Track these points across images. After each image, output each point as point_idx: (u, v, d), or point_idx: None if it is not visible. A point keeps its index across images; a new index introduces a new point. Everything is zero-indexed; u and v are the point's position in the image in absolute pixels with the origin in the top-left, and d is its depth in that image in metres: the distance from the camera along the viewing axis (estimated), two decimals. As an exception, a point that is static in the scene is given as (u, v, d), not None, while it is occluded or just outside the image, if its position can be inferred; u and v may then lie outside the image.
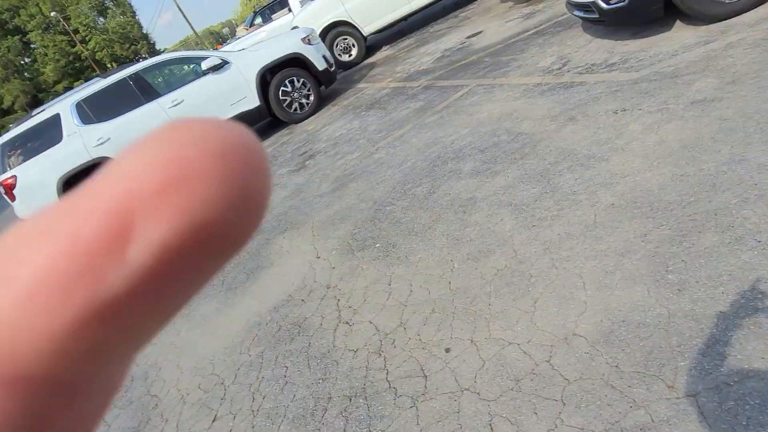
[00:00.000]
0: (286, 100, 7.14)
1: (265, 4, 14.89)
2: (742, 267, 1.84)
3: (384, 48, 10.26)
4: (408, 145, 4.51)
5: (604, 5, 3.89)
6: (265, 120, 7.51)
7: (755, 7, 3.55)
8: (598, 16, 4.02)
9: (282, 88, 7.07)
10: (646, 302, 1.90)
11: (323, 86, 7.57)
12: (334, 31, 9.71)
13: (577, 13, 4.36)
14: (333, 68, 7.70)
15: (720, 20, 3.63)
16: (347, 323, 2.65)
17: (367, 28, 9.83)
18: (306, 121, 7.23)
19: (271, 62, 7.04)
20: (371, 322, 2.57)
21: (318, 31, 8.95)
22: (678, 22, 4.00)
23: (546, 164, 3.12)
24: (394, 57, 8.74)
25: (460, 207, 3.15)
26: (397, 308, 2.57)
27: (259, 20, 13.57)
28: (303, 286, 3.20)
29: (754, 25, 3.38)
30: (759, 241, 1.89)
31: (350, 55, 9.88)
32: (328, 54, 7.69)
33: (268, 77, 7.09)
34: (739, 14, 3.58)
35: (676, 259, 2.00)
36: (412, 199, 3.56)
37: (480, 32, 7.14)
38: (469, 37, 7.24)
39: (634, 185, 2.53)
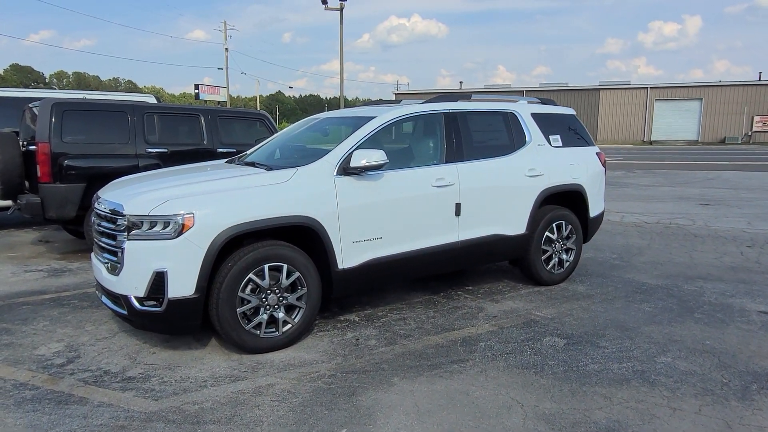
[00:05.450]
0: None
1: None
2: None
3: None
4: None
5: (136, 304, 3.18)
6: None
7: (289, 346, 3.47)
8: (126, 313, 3.26)
9: None
10: None
11: None
12: None
13: (105, 300, 3.50)
14: None
15: (253, 353, 3.37)
16: None
17: None
18: None
19: None
20: None
21: None
22: (213, 341, 3.60)
23: None
24: None
25: None
26: None
27: None
28: None
29: (283, 369, 3.19)
30: None
31: None
32: None
33: None
34: (272, 350, 3.41)
35: None
36: None
37: (-15, 272, 5.41)
38: (-36, 274, 5.37)
39: None
